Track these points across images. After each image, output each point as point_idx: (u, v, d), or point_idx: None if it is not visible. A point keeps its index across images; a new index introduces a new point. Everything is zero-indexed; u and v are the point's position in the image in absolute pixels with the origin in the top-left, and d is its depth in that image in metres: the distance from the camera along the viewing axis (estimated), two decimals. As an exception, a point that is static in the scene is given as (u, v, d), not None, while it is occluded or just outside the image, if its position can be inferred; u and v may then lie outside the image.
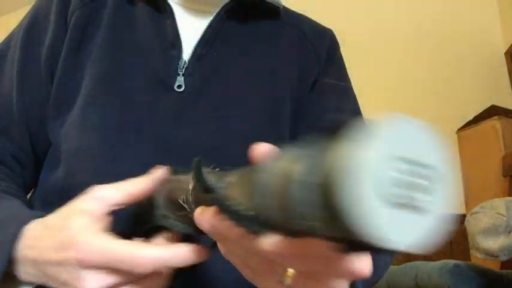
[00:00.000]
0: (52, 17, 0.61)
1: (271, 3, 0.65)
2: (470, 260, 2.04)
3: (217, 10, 0.62)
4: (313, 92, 0.66)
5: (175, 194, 0.37)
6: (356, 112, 0.70)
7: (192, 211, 0.33)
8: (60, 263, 0.37)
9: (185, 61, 0.59)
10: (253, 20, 0.65)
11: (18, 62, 0.60)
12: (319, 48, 0.68)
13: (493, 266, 1.77)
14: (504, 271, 1.54)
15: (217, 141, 0.56)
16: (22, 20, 0.64)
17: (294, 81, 0.64)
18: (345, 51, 0.74)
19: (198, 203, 0.33)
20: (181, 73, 0.58)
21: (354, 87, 0.73)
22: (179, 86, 0.57)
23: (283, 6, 0.69)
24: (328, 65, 0.68)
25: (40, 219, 0.41)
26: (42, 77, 0.59)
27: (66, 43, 0.59)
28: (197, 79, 0.58)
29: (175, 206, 0.38)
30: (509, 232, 1.36)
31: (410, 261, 2.18)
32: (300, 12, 0.75)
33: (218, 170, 0.35)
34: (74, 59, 0.59)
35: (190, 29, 0.62)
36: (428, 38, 2.72)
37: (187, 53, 0.60)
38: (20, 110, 0.58)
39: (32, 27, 0.62)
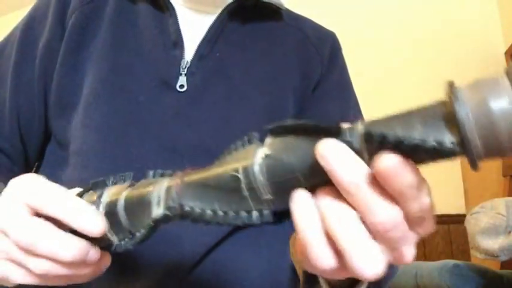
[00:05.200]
0: (49, 17, 0.61)
1: (273, 4, 0.65)
2: (470, 260, 2.04)
3: (219, 11, 0.62)
4: (316, 96, 0.66)
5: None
6: (357, 116, 0.70)
7: None
8: None
9: (187, 61, 0.59)
10: (256, 21, 0.65)
11: (13, 62, 0.60)
12: (322, 51, 0.68)
13: (493, 266, 1.77)
14: (504, 271, 1.54)
15: (219, 140, 0.56)
16: (21, 20, 0.64)
17: (297, 83, 0.64)
18: (345, 51, 0.74)
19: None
20: (183, 73, 0.58)
21: (353, 86, 0.73)
22: (181, 86, 0.57)
23: (286, 9, 0.69)
24: (331, 68, 0.68)
25: None
26: (35, 76, 0.59)
27: (64, 43, 0.59)
28: (199, 79, 0.58)
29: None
30: (509, 232, 1.36)
31: (410, 261, 2.17)
32: (301, 13, 0.75)
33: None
34: (74, 58, 0.59)
35: (192, 28, 0.62)
36: (428, 37, 2.72)
37: (189, 52, 0.60)
38: (11, 107, 0.59)
39: (28, 27, 0.62)
